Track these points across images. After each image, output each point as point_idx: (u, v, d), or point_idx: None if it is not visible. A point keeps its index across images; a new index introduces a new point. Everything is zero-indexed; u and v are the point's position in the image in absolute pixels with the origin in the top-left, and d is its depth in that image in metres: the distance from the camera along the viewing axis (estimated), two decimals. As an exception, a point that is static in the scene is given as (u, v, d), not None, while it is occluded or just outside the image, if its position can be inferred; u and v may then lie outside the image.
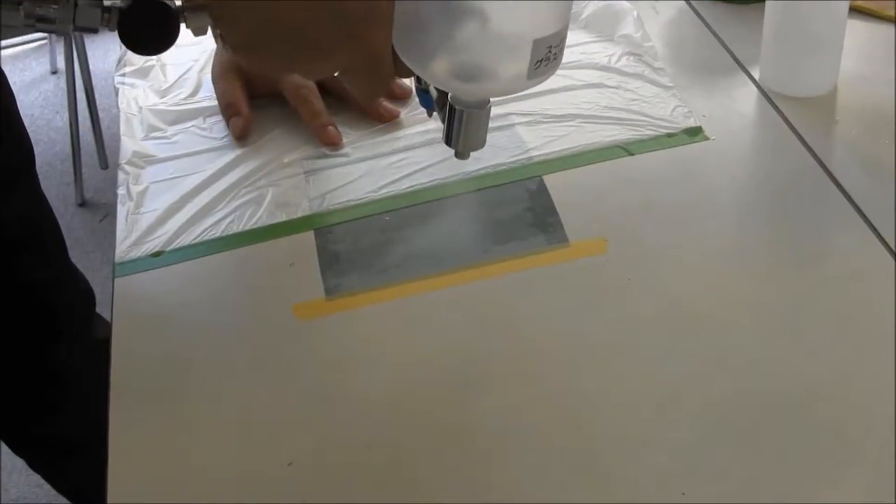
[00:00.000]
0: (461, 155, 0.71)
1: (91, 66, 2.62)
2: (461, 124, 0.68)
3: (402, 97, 0.95)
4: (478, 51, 0.61)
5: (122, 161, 0.92)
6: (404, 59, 0.63)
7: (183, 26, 0.67)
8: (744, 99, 0.93)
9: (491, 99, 0.69)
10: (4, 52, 3.13)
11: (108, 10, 0.65)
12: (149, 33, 0.67)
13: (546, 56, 0.61)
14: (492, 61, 0.62)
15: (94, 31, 0.66)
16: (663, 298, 0.75)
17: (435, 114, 0.77)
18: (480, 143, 0.70)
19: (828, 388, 0.68)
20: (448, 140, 0.70)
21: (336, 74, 0.72)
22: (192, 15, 0.67)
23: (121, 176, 0.91)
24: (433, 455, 0.67)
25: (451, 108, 0.68)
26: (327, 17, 0.65)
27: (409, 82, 0.96)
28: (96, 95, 2.63)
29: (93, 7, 0.65)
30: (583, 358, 0.72)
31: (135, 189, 0.89)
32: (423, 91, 0.76)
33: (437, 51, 0.61)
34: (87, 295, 1.28)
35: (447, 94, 0.69)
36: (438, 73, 0.63)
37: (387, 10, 0.64)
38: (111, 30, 0.66)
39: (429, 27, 0.61)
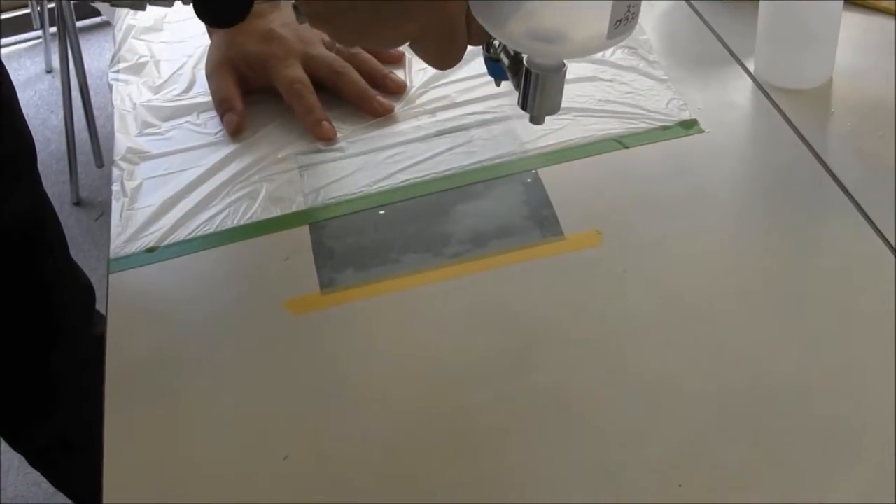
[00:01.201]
0: (536, 119, 0.70)
1: (86, 65, 2.62)
2: (537, 88, 0.67)
3: (396, 92, 0.95)
4: (557, 11, 0.60)
5: (117, 157, 0.92)
6: (481, 21, 0.62)
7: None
8: (739, 91, 0.93)
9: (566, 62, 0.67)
10: (2, 51, 3.13)
11: None
12: (221, 5, 0.66)
13: (626, 15, 0.60)
14: (571, 21, 0.61)
15: (169, 5, 0.66)
16: (659, 291, 0.75)
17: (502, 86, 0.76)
18: (556, 108, 0.69)
19: (824, 380, 0.68)
20: (524, 105, 0.68)
21: (408, 44, 0.70)
22: None
23: (115, 172, 0.91)
24: (429, 448, 0.67)
25: (528, 73, 0.67)
26: None
27: (404, 76, 0.96)
28: (91, 94, 2.63)
29: None
30: (578, 350, 0.72)
31: (129, 185, 0.89)
32: (492, 60, 0.74)
33: (515, 11, 0.60)
34: (88, 291, 1.28)
35: (520, 60, 0.68)
36: (516, 34, 0.62)
37: None
38: (185, 3, 0.65)
39: None
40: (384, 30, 0.67)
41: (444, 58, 0.70)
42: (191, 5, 0.65)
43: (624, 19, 0.60)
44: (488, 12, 0.61)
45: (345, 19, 0.66)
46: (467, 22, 0.65)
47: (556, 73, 0.67)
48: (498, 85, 0.76)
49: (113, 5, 0.66)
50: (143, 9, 0.66)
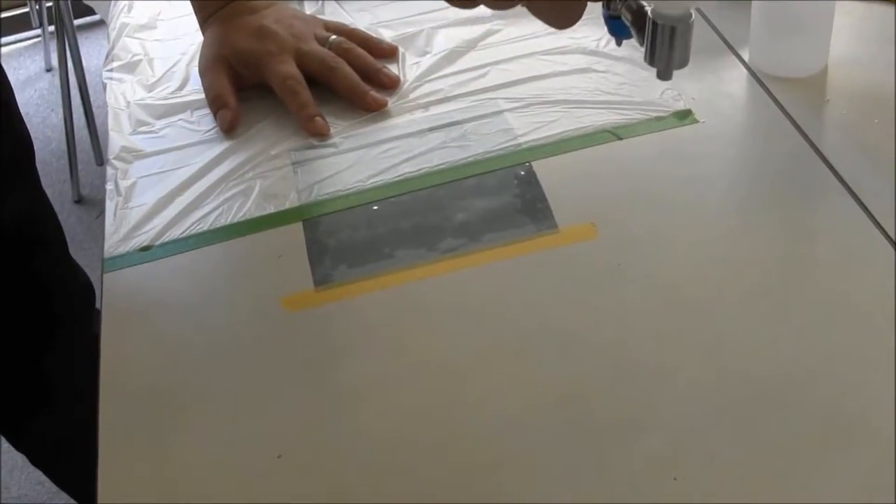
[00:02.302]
0: (664, 74, 0.68)
1: (84, 63, 2.62)
2: (665, 40, 0.65)
3: (389, 86, 0.94)
4: None
5: (111, 156, 0.92)
6: None
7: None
8: (733, 81, 0.92)
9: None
10: (1, 50, 3.14)
11: None
12: None
13: None
14: None
15: None
16: (654, 283, 0.75)
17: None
18: (685, 61, 0.67)
19: (822, 372, 0.68)
20: (651, 60, 0.67)
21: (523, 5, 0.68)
22: None
23: (109, 171, 0.91)
24: (424, 444, 0.67)
25: (654, 24, 0.65)
26: None
27: (397, 71, 0.96)
28: (90, 92, 2.63)
29: None
30: (573, 344, 0.71)
31: (123, 184, 0.89)
32: (614, 17, 0.72)
33: None
34: (88, 290, 1.28)
35: (644, 13, 0.66)
36: None
37: None
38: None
39: None
40: None
41: (564, 16, 0.68)
42: None
43: None
44: None
45: None
46: None
47: (685, 23, 0.65)
48: (619, 44, 0.74)
49: None
50: None
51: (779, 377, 0.68)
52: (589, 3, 0.67)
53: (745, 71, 0.93)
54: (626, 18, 0.70)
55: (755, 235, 0.78)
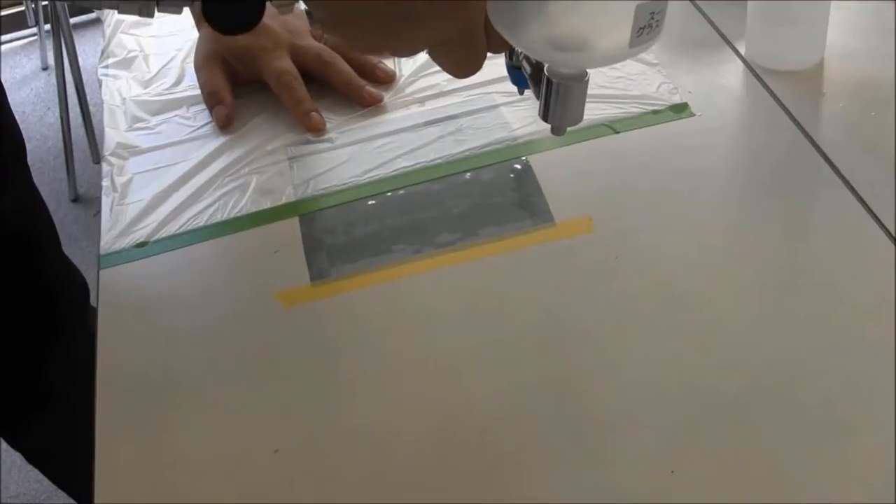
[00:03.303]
0: (558, 130, 0.67)
1: (81, 62, 2.62)
2: (559, 98, 0.65)
3: (385, 81, 0.94)
4: (577, 18, 0.58)
5: (107, 152, 0.92)
6: (499, 30, 0.60)
7: (269, 4, 0.65)
8: (730, 74, 0.92)
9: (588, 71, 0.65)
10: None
11: None
12: (234, 12, 0.65)
13: (649, 23, 0.57)
14: (592, 29, 0.58)
15: (178, 12, 0.65)
16: (651, 276, 0.75)
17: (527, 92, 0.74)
18: (578, 118, 0.67)
19: (817, 366, 0.68)
20: (545, 116, 0.66)
21: (427, 51, 0.69)
22: None
23: (105, 167, 0.90)
24: (422, 439, 0.67)
25: (549, 82, 0.64)
26: None
27: (393, 66, 0.96)
28: (87, 90, 2.63)
29: None
30: (570, 338, 0.71)
31: (119, 180, 0.88)
32: (514, 68, 0.72)
33: (534, 19, 0.58)
34: (82, 288, 1.27)
35: (542, 68, 0.66)
36: (535, 42, 0.59)
37: None
38: (194, 11, 0.64)
39: None
40: (399, 37, 0.65)
41: (463, 66, 0.68)
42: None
43: (647, 27, 0.57)
44: (506, 20, 0.60)
45: (358, 26, 0.65)
46: (487, 28, 0.63)
47: (579, 82, 0.65)
48: (521, 93, 0.74)
49: (121, 12, 0.65)
50: (152, 15, 0.65)
51: (776, 371, 0.68)
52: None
53: (741, 64, 0.93)
54: (526, 71, 0.70)
55: (752, 228, 0.78)
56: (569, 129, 0.86)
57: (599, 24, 0.58)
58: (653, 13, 0.57)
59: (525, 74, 0.70)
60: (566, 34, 0.58)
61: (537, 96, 0.67)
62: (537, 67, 0.68)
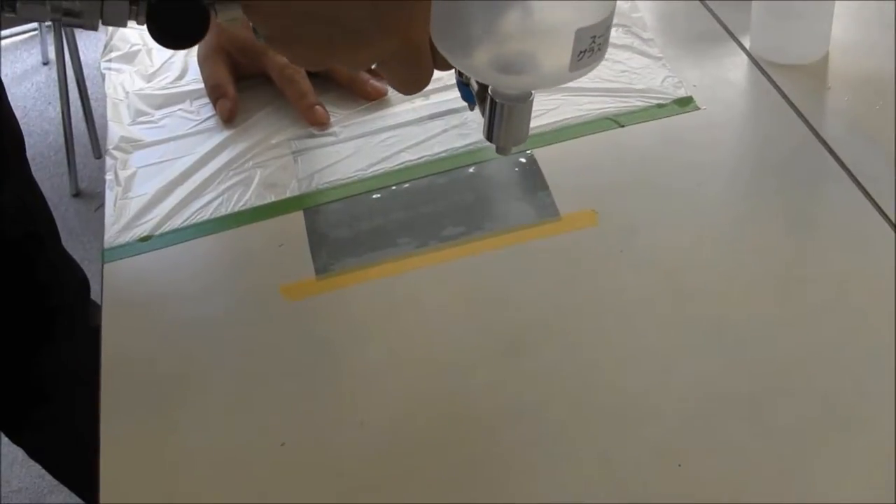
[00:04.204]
0: (503, 150, 0.68)
1: (82, 56, 2.62)
2: (503, 118, 0.65)
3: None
4: (518, 41, 0.58)
5: (110, 146, 0.92)
6: (442, 52, 0.60)
7: (214, 18, 0.65)
8: (734, 68, 0.92)
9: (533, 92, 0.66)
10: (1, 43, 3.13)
11: (136, 2, 0.63)
12: (178, 26, 0.65)
13: (590, 47, 0.57)
14: (533, 52, 0.59)
15: (123, 24, 0.65)
16: (656, 270, 0.74)
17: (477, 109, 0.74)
18: (523, 138, 0.67)
19: (824, 358, 0.68)
20: (489, 135, 0.66)
21: (375, 66, 0.69)
22: (222, 7, 0.64)
23: (108, 161, 0.90)
24: (426, 432, 0.67)
25: (493, 102, 0.64)
26: (363, 6, 0.63)
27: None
28: (88, 85, 2.63)
29: (121, 0, 0.63)
30: (575, 331, 0.71)
31: (123, 174, 0.88)
32: (463, 84, 0.72)
33: (475, 42, 0.58)
34: (82, 283, 1.27)
35: (487, 87, 0.66)
36: (478, 65, 0.59)
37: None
38: (139, 24, 0.64)
39: (467, 17, 0.58)
40: (344, 55, 0.66)
41: (409, 83, 0.69)
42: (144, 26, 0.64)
43: (588, 51, 0.57)
44: (448, 43, 0.60)
45: (302, 44, 0.65)
46: (433, 46, 0.63)
47: (523, 102, 0.65)
48: (471, 109, 0.74)
49: (64, 25, 0.65)
50: (96, 28, 0.65)
51: (782, 363, 0.68)
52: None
53: (745, 58, 0.93)
54: (473, 88, 0.70)
55: (757, 222, 0.78)
56: (574, 122, 0.86)
57: (540, 48, 0.58)
58: (594, 37, 0.57)
59: (472, 92, 0.71)
60: (506, 58, 0.59)
61: (483, 114, 0.67)
62: (483, 86, 0.68)
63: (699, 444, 0.64)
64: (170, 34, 0.64)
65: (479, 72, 0.61)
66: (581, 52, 0.57)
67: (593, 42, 0.57)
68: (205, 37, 0.64)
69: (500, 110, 0.64)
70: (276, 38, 0.65)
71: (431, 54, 0.65)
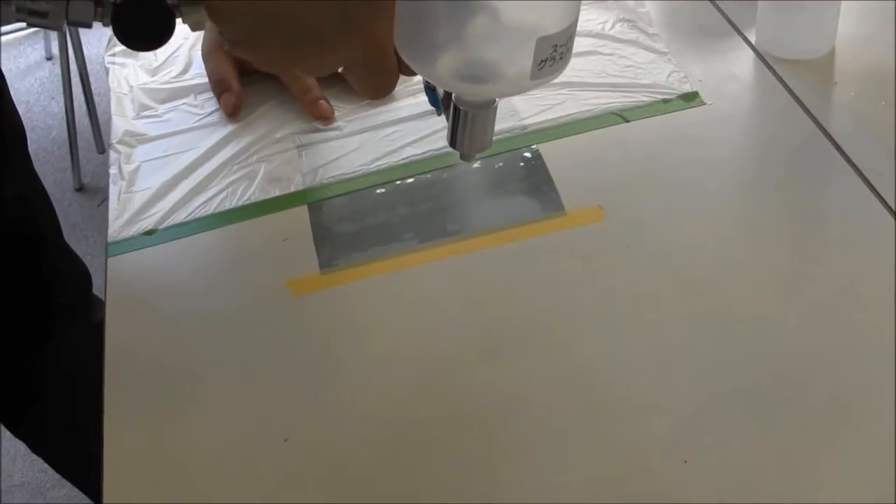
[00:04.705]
0: (466, 157, 0.68)
1: (85, 51, 2.61)
2: (466, 125, 0.65)
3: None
4: (479, 50, 0.58)
5: (114, 140, 0.92)
6: (405, 59, 0.60)
7: (179, 21, 0.65)
8: (740, 63, 0.92)
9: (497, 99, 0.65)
10: (1, 39, 3.12)
11: (101, 4, 0.63)
12: (143, 28, 0.65)
13: (551, 56, 0.58)
14: (494, 61, 0.58)
15: (88, 25, 0.65)
16: (662, 264, 0.74)
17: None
18: (486, 145, 0.67)
19: (830, 353, 0.68)
20: (453, 142, 0.66)
21: (341, 70, 0.70)
22: (188, 10, 0.64)
23: (112, 155, 0.90)
24: (432, 429, 0.66)
25: (456, 109, 0.64)
26: (327, 11, 0.63)
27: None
28: (91, 80, 2.62)
29: (86, 1, 0.63)
30: (581, 326, 0.71)
31: (127, 168, 0.88)
32: (430, 89, 0.72)
33: (437, 50, 0.58)
34: (84, 277, 1.27)
35: (451, 94, 0.66)
36: (440, 73, 0.60)
37: (389, 4, 0.61)
38: (105, 25, 0.64)
39: (429, 26, 0.58)
40: (308, 59, 0.66)
41: (373, 87, 0.70)
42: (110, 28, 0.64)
43: (550, 59, 0.57)
44: (411, 50, 0.60)
45: (267, 47, 0.65)
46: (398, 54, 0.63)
47: (486, 109, 0.65)
48: (438, 114, 0.73)
49: (30, 25, 0.65)
50: (61, 28, 0.65)
51: (788, 358, 0.67)
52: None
53: (751, 53, 0.92)
54: (439, 94, 0.70)
55: (763, 217, 0.78)
56: (579, 118, 0.86)
57: (501, 57, 0.58)
58: (555, 46, 0.57)
59: (439, 98, 0.70)
60: (469, 66, 0.58)
61: (447, 120, 0.67)
62: (448, 93, 0.67)
63: (706, 439, 0.64)
64: (134, 36, 0.65)
65: (441, 79, 0.61)
66: (542, 61, 0.57)
67: (555, 51, 0.58)
68: (170, 39, 0.65)
69: (463, 117, 0.64)
70: (240, 41, 0.66)
71: (397, 59, 0.65)
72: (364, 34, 0.64)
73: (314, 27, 0.63)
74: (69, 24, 0.64)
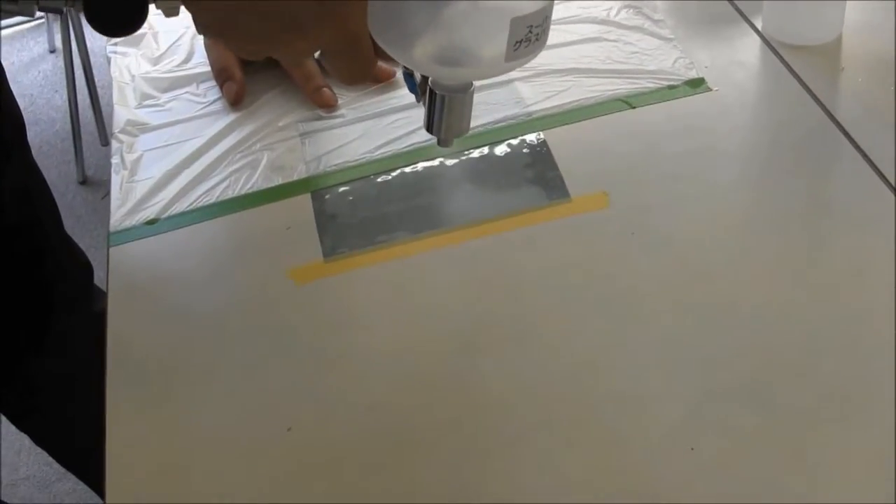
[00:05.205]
0: (443, 142, 0.67)
1: (88, 44, 2.61)
2: (442, 110, 0.65)
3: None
4: (454, 32, 0.58)
5: (116, 130, 0.91)
6: (380, 44, 0.60)
7: (153, 8, 0.65)
8: (747, 49, 0.91)
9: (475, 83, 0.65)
10: (3, 32, 3.12)
11: None
12: (116, 14, 0.64)
13: (526, 37, 0.57)
14: (468, 43, 0.58)
15: (59, 11, 0.64)
16: (667, 252, 0.74)
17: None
18: (464, 130, 0.67)
19: (838, 339, 0.67)
20: (429, 127, 0.66)
21: (317, 56, 0.69)
22: None
23: (115, 145, 0.90)
24: (436, 417, 0.66)
25: (432, 93, 0.64)
26: None
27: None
28: (94, 72, 2.62)
29: None
30: (587, 314, 0.70)
31: (129, 157, 0.88)
32: (409, 75, 0.72)
33: (412, 34, 0.58)
34: (85, 268, 1.27)
35: (428, 78, 0.66)
36: (416, 56, 0.59)
37: None
38: (77, 11, 0.63)
39: (402, 9, 0.57)
40: (282, 45, 0.65)
41: (350, 74, 0.69)
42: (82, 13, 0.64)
43: (525, 41, 0.57)
44: (385, 34, 0.59)
45: (241, 33, 0.65)
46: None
47: (463, 93, 0.64)
48: (418, 101, 0.72)
49: (3, 13, 0.65)
50: (33, 14, 0.65)
51: (796, 345, 0.67)
52: None
53: (758, 39, 0.92)
54: (416, 79, 0.70)
55: (770, 203, 0.77)
56: (584, 104, 0.86)
57: (475, 38, 0.58)
58: (530, 27, 0.57)
59: (416, 83, 0.70)
60: (444, 49, 0.58)
61: (424, 106, 0.67)
62: (425, 77, 0.67)
63: (713, 427, 0.63)
64: (106, 21, 0.64)
65: (416, 63, 0.60)
66: (517, 42, 0.57)
67: (530, 32, 0.57)
68: (142, 25, 0.64)
69: (440, 101, 0.64)
70: (212, 27, 0.65)
71: (373, 45, 0.64)
72: (338, 21, 0.64)
73: (288, 14, 0.63)
74: (40, 9, 0.64)
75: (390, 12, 0.58)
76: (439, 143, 0.67)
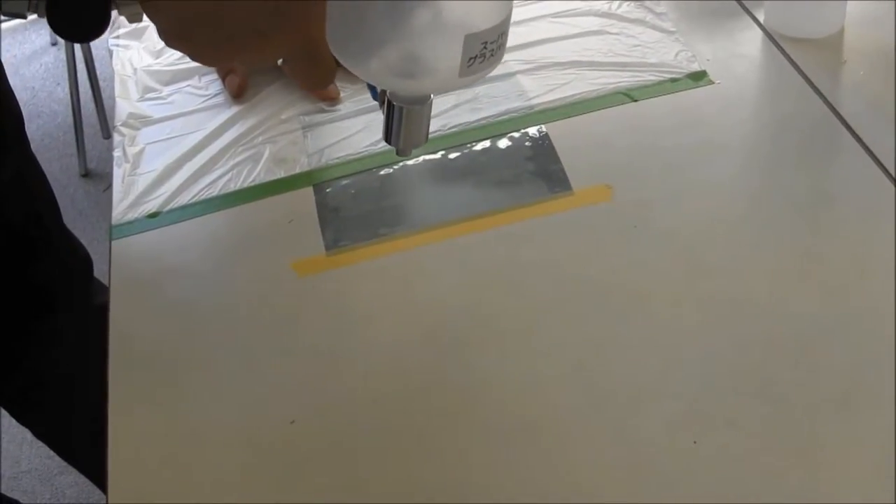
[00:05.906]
0: (402, 152, 0.67)
1: (90, 36, 2.61)
2: (401, 121, 0.65)
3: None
4: (409, 47, 0.58)
5: (118, 123, 0.91)
6: (338, 57, 0.60)
7: (115, 13, 0.65)
8: (749, 42, 0.91)
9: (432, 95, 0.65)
10: (4, 25, 3.12)
11: None
12: (78, 20, 0.64)
13: (481, 53, 0.57)
14: (423, 57, 0.58)
15: (23, 16, 0.64)
16: (670, 245, 0.74)
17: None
18: (421, 141, 0.67)
19: (841, 332, 0.67)
20: (387, 137, 0.66)
21: (280, 63, 0.69)
22: (123, 1, 0.64)
23: (116, 138, 0.90)
24: (438, 410, 0.66)
25: (390, 104, 0.64)
26: (261, 7, 0.62)
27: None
28: (96, 65, 2.62)
29: None
30: (589, 307, 0.70)
31: (131, 151, 0.88)
32: (372, 85, 0.72)
33: (368, 48, 0.58)
34: (84, 261, 1.27)
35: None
36: (372, 69, 0.59)
37: (321, 2, 0.61)
38: (40, 16, 0.63)
39: (358, 23, 0.58)
40: (243, 53, 0.65)
41: (310, 79, 0.70)
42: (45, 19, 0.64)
43: (479, 57, 0.57)
44: (342, 47, 0.59)
45: (201, 42, 0.65)
46: None
47: (420, 105, 0.64)
48: (380, 107, 0.72)
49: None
50: (24, 16, 0.65)
51: (798, 338, 0.67)
52: None
53: (760, 32, 0.91)
54: (377, 89, 0.70)
55: (772, 196, 0.77)
56: (586, 97, 0.86)
57: (429, 54, 0.58)
58: (485, 43, 0.57)
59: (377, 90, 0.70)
60: (399, 63, 0.58)
61: (384, 115, 0.67)
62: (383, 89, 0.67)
63: (715, 420, 0.63)
64: (69, 27, 0.64)
65: (373, 76, 0.61)
66: (471, 59, 0.57)
67: (485, 48, 0.57)
68: (105, 31, 0.64)
69: (398, 113, 0.64)
70: (173, 34, 0.65)
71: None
72: (298, 30, 0.64)
73: (248, 22, 0.63)
74: (3, 13, 0.64)
75: (347, 26, 0.58)
76: (398, 153, 0.68)
